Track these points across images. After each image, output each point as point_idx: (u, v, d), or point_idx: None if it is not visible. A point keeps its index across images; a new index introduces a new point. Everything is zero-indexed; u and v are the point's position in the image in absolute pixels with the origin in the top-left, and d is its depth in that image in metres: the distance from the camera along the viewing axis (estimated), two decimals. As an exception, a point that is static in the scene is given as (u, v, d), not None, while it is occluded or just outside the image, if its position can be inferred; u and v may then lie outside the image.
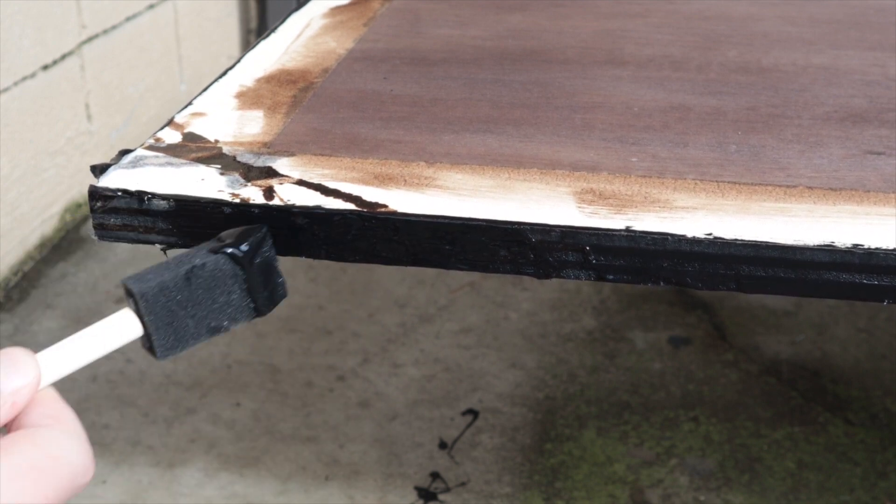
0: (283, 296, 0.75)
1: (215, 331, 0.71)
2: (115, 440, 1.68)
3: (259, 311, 0.73)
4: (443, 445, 1.67)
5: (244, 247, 0.72)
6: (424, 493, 1.58)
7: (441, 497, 1.58)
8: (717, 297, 2.03)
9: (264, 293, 0.73)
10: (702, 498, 1.56)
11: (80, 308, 1.98)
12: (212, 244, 0.72)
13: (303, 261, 2.34)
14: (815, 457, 1.63)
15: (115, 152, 0.86)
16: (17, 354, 0.63)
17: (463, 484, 1.60)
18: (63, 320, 1.93)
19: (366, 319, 1.98)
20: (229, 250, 0.71)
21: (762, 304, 2.01)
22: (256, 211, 0.78)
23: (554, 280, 2.09)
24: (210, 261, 0.70)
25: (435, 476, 1.61)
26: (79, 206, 2.30)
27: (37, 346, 1.92)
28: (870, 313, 1.98)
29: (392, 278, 2.10)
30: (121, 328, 0.68)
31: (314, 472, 1.62)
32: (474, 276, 2.10)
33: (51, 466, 0.58)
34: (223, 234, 0.74)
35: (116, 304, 2.00)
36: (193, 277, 0.70)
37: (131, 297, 0.68)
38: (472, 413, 1.74)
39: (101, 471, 1.62)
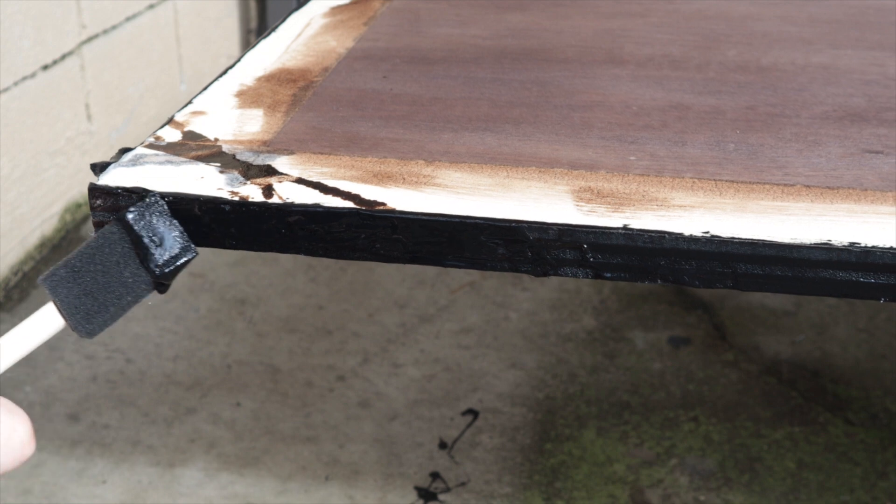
0: (188, 257, 0.74)
1: (121, 301, 0.72)
2: (115, 440, 1.68)
3: (157, 277, 0.73)
4: (443, 445, 1.67)
5: (127, 212, 0.73)
6: (424, 493, 1.58)
7: (441, 497, 1.58)
8: (717, 297, 2.03)
9: (159, 257, 0.73)
10: (702, 498, 1.56)
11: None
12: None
13: (303, 261, 2.33)
14: (815, 457, 1.63)
15: (115, 152, 0.87)
16: None
17: (463, 484, 1.60)
18: (63, 320, 1.93)
19: (366, 319, 1.98)
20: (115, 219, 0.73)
21: (762, 304, 2.01)
22: (255, 209, 0.78)
23: (554, 280, 2.09)
24: (100, 233, 0.73)
25: (435, 476, 1.61)
26: (79, 206, 2.31)
27: (37, 345, 1.88)
28: (870, 313, 1.98)
29: (392, 278, 2.10)
30: (47, 322, 0.71)
31: (314, 472, 1.62)
32: (474, 276, 2.10)
33: None
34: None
35: (117, 304, 2.00)
36: (88, 252, 0.72)
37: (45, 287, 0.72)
38: (472, 413, 1.74)
39: (101, 471, 1.62)
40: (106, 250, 0.72)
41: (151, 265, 0.73)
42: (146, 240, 0.73)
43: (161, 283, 0.73)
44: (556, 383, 1.80)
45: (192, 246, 0.74)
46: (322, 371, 1.84)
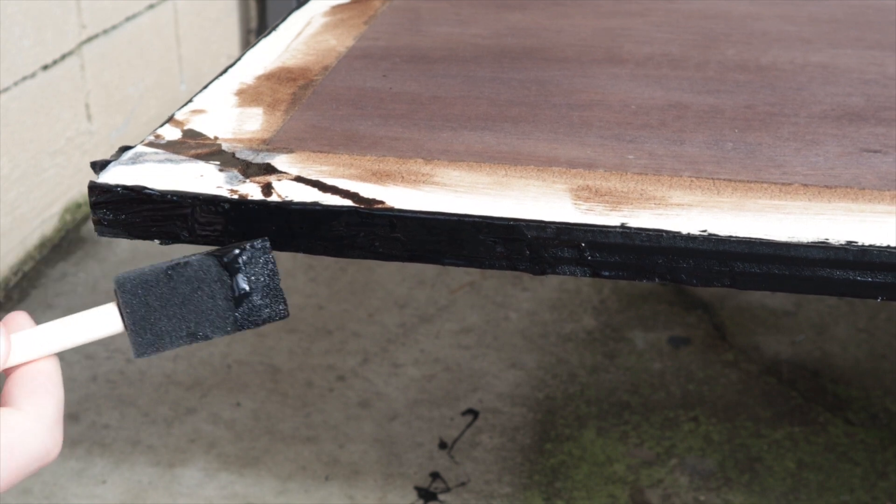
0: (279, 316, 0.71)
1: (193, 336, 0.70)
2: (115, 440, 1.68)
3: (241, 325, 0.70)
4: (443, 445, 1.67)
5: (235, 252, 0.70)
6: (424, 493, 1.58)
7: (441, 497, 1.58)
8: (717, 297, 2.03)
9: (252, 306, 0.70)
10: (702, 498, 1.56)
11: (80, 308, 1.98)
12: (209, 249, 0.71)
13: (303, 260, 2.33)
14: (815, 457, 1.63)
15: (115, 152, 0.87)
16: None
17: (463, 484, 1.60)
18: (64, 320, 1.93)
19: (366, 319, 1.99)
20: (218, 254, 0.70)
21: (762, 304, 2.01)
22: (254, 207, 0.78)
23: (554, 280, 2.09)
24: (195, 261, 0.70)
25: (435, 476, 1.62)
26: (79, 206, 2.31)
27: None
28: (870, 313, 1.98)
29: (392, 278, 2.10)
30: (103, 321, 0.70)
31: (314, 472, 1.62)
32: (474, 276, 2.10)
33: (5, 455, 0.62)
34: (228, 245, 0.72)
35: (117, 304, 2.01)
36: (175, 275, 0.69)
37: (115, 290, 0.69)
38: (472, 413, 1.74)
39: (101, 471, 1.62)
40: (198, 277, 0.70)
41: (244, 313, 0.70)
42: (248, 286, 0.70)
43: (241, 328, 0.70)
44: (556, 383, 1.80)
45: (286, 307, 0.71)
46: (322, 371, 1.84)
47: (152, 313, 0.69)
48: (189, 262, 0.70)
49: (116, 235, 0.81)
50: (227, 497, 1.58)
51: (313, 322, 1.98)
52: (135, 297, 0.69)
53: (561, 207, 0.77)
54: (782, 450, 1.65)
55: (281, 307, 0.71)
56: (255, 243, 0.71)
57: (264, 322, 0.71)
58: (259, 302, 0.70)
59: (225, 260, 0.70)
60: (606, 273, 0.75)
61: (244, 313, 0.70)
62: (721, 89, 1.01)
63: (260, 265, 0.71)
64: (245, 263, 0.70)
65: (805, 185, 0.81)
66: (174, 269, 0.69)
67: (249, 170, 0.83)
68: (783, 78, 1.04)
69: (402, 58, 1.11)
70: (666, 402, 1.76)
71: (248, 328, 0.70)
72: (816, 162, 0.85)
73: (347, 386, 1.80)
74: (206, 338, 0.70)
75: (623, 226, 0.74)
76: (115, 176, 0.82)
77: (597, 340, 1.92)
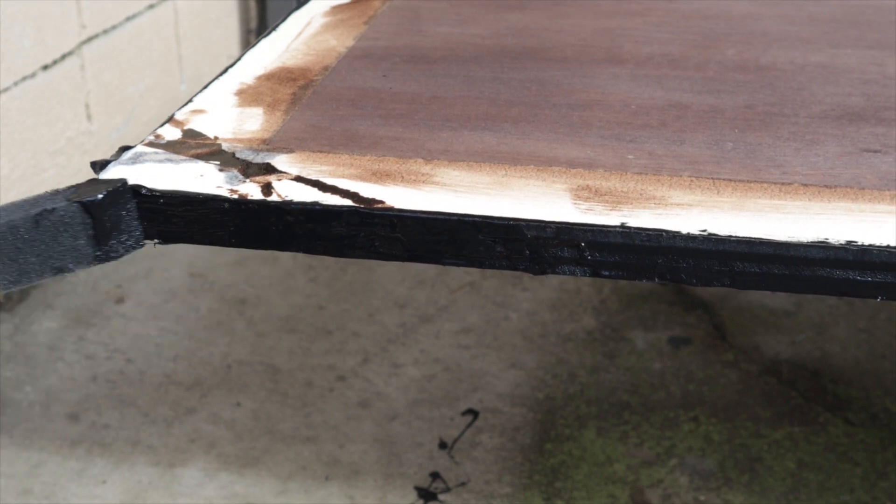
0: (134, 248, 0.78)
1: (59, 270, 0.75)
2: (115, 440, 1.68)
3: (102, 260, 0.76)
4: (443, 445, 1.67)
5: (98, 198, 0.75)
6: (424, 493, 1.58)
7: (441, 497, 1.58)
8: (717, 297, 2.03)
9: (112, 243, 0.76)
10: (702, 498, 1.57)
11: (80, 308, 1.99)
12: (68, 191, 0.76)
13: (303, 260, 2.32)
14: (815, 457, 1.63)
15: (115, 152, 0.87)
16: None
17: (463, 484, 1.60)
18: (63, 320, 1.93)
19: (366, 319, 1.99)
20: (81, 199, 0.75)
21: (762, 304, 2.01)
22: (254, 207, 0.78)
23: (554, 280, 2.09)
24: (61, 207, 0.74)
25: (435, 476, 1.62)
26: (80, 206, 2.31)
27: (37, 345, 1.91)
28: (870, 313, 1.98)
29: (392, 278, 2.10)
30: None
31: (314, 472, 1.62)
32: (474, 276, 2.10)
33: None
34: (83, 183, 0.78)
35: (117, 304, 2.01)
36: (42, 220, 0.74)
37: None
38: (472, 413, 1.74)
39: (101, 471, 1.62)
40: (63, 222, 0.74)
41: (104, 250, 0.76)
42: (108, 227, 0.75)
43: (101, 262, 0.77)
44: (556, 383, 1.80)
45: (142, 236, 0.78)
46: (322, 371, 1.84)
47: (19, 254, 0.74)
48: (56, 209, 0.74)
49: (116, 235, 0.81)
50: (227, 497, 1.58)
51: (313, 322, 1.98)
52: (3, 239, 0.74)
53: (561, 207, 0.77)
54: (782, 450, 1.65)
55: (137, 239, 0.79)
56: (114, 186, 0.76)
57: (120, 256, 0.78)
58: (116, 239, 0.77)
59: (87, 204, 0.75)
60: (606, 273, 0.75)
61: (105, 250, 0.77)
62: (721, 89, 1.01)
63: (118, 206, 0.77)
64: (105, 207, 0.76)
65: (805, 185, 0.81)
66: (41, 216, 0.74)
67: (249, 170, 0.83)
68: (783, 78, 1.04)
69: (402, 58, 1.11)
70: (666, 402, 1.76)
71: (108, 262, 0.77)
72: (816, 162, 0.85)
73: (347, 386, 1.80)
74: (71, 271, 0.76)
75: (623, 225, 0.74)
76: (115, 176, 0.82)
77: (597, 340, 1.92)
